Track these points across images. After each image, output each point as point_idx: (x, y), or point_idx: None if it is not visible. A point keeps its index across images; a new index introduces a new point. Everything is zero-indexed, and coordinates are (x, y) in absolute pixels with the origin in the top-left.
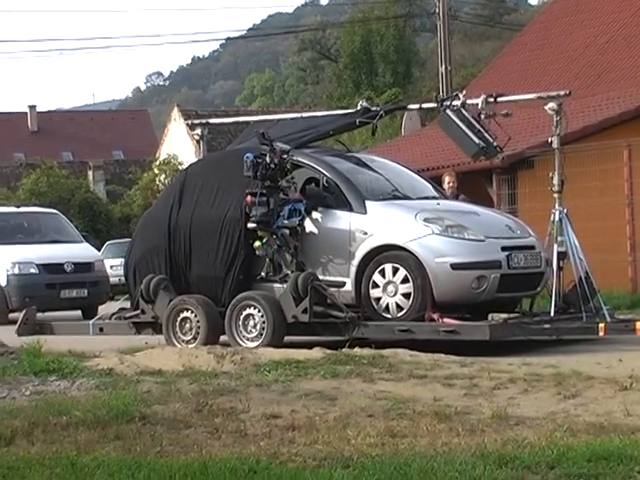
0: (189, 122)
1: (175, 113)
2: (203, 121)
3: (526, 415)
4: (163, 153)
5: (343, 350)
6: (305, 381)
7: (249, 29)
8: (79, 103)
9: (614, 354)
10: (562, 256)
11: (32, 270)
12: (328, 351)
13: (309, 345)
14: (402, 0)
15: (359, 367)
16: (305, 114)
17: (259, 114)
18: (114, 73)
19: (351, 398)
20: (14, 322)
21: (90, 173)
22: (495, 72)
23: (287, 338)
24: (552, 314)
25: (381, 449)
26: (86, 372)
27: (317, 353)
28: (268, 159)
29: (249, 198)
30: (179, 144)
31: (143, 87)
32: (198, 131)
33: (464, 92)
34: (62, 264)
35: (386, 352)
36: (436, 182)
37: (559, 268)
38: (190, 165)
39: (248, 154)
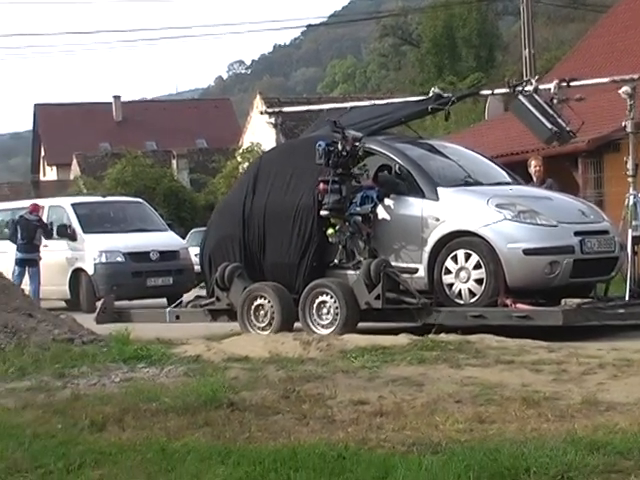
0: (262, 111)
1: (257, 101)
2: (276, 109)
3: (616, 401)
4: (246, 141)
5: (429, 336)
6: (392, 367)
7: (330, 16)
8: (162, 93)
9: None
10: (636, 240)
11: (119, 259)
12: (414, 337)
13: (395, 331)
14: None
15: (446, 353)
16: (377, 101)
17: (340, 101)
18: (197, 62)
19: (438, 384)
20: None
21: (174, 162)
22: (579, 55)
23: (372, 325)
24: (627, 299)
25: (470, 435)
26: (174, 359)
27: (403, 339)
28: (340, 147)
29: (321, 186)
30: (262, 132)
31: (225, 76)
32: (272, 119)
33: (537, 77)
34: (148, 252)
35: (473, 338)
36: (522, 167)
37: (633, 253)
38: (264, 153)
39: (320, 142)
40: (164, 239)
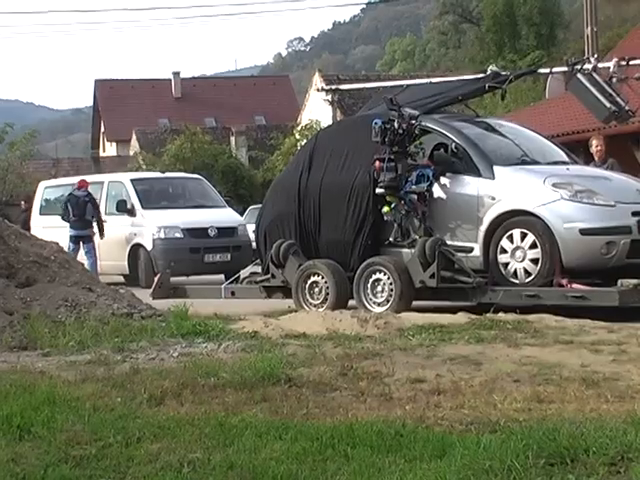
0: (319, 87)
1: (316, 78)
2: (333, 87)
3: None
4: (305, 118)
5: (487, 315)
6: (449, 345)
7: None
8: (221, 69)
9: None
10: None
11: (177, 234)
12: (472, 316)
13: (453, 310)
14: None
15: (504, 332)
16: (434, 79)
17: (399, 79)
18: (256, 39)
19: (496, 363)
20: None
21: (232, 139)
22: None
23: (430, 303)
24: None
25: (528, 414)
26: (232, 335)
27: (461, 318)
28: (396, 125)
29: (377, 163)
30: (320, 109)
31: (284, 53)
32: (329, 97)
33: (596, 56)
34: (206, 229)
35: (531, 317)
36: (583, 146)
37: None
38: (320, 131)
39: (377, 120)
40: (222, 216)
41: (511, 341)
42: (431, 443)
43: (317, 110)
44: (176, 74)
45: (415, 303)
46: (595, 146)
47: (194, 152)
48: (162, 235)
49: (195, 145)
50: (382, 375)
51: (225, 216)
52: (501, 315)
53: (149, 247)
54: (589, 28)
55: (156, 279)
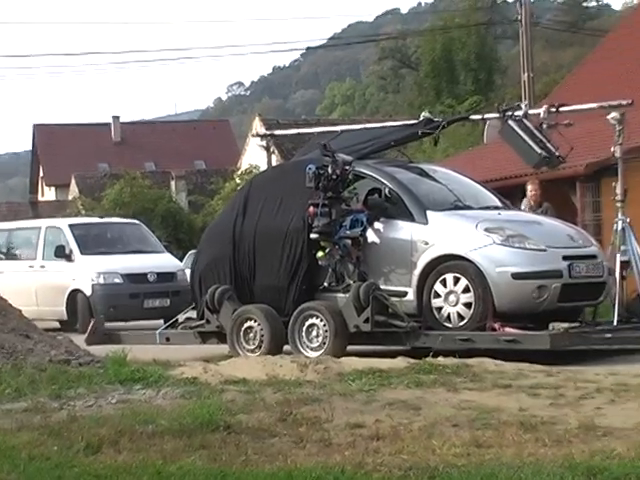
0: (254, 133)
1: (256, 123)
2: (268, 132)
3: (614, 426)
4: (245, 163)
5: (427, 359)
6: (389, 390)
7: (329, 38)
8: (161, 114)
9: None
10: (624, 265)
11: (116, 280)
12: (412, 360)
13: (393, 354)
14: (483, 8)
15: (443, 376)
16: (368, 125)
17: (338, 123)
18: (196, 84)
19: (435, 407)
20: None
21: (172, 183)
22: (578, 79)
23: (370, 348)
24: (615, 323)
25: (467, 459)
26: (171, 381)
27: (401, 362)
28: (330, 170)
29: (311, 209)
30: (260, 154)
31: (224, 97)
32: (263, 142)
33: (526, 102)
34: (145, 274)
35: (470, 361)
36: (521, 190)
37: (622, 277)
38: (255, 176)
39: (310, 165)
40: (161, 261)
41: (450, 385)
42: None
43: (257, 155)
44: (116, 118)
45: (354, 347)
46: (530, 190)
47: (134, 197)
48: (101, 281)
49: (135, 190)
50: (321, 421)
51: (164, 261)
52: (440, 359)
53: (88, 293)
54: (526, 74)
55: (90, 325)
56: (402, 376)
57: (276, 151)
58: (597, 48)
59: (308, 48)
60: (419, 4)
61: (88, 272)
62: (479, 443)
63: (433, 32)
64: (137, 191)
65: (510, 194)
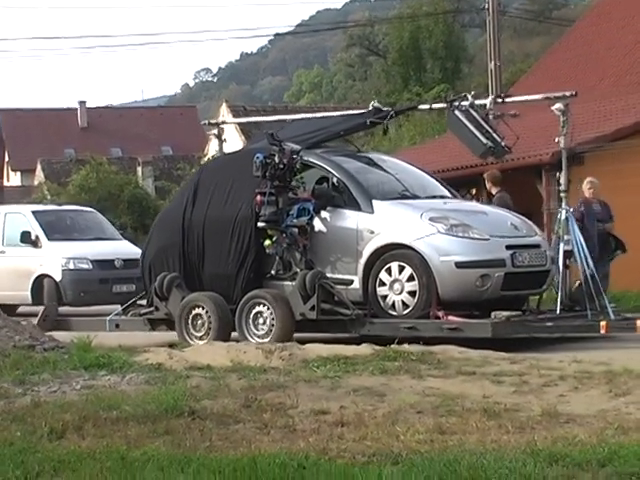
0: (205, 122)
1: (223, 109)
2: (219, 121)
3: (576, 413)
4: (211, 149)
5: (392, 346)
6: (354, 377)
7: (297, 25)
8: (128, 99)
9: None
10: (568, 254)
11: (86, 266)
12: (377, 347)
13: (357, 341)
14: None
15: (408, 363)
16: (319, 114)
17: (307, 110)
18: (163, 69)
19: (400, 394)
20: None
21: (139, 169)
22: (544, 68)
23: (336, 335)
24: (558, 312)
25: (430, 446)
26: (136, 367)
27: (366, 349)
28: (277, 159)
29: (258, 198)
30: (227, 140)
31: (192, 83)
32: (214, 131)
33: (472, 93)
34: (113, 260)
35: (435, 348)
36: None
37: (565, 266)
38: (205, 165)
39: (258, 154)
40: (124, 247)
41: (415, 372)
42: (333, 475)
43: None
44: (82, 103)
45: (320, 335)
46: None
47: (100, 182)
48: (71, 266)
49: (101, 175)
50: (286, 407)
51: (126, 248)
52: (405, 346)
53: (58, 278)
54: (493, 63)
55: (41, 311)
56: (367, 363)
57: (243, 138)
58: (563, 37)
59: (276, 35)
60: None
61: (57, 258)
62: (443, 430)
63: (401, 20)
64: (103, 177)
65: (475, 182)
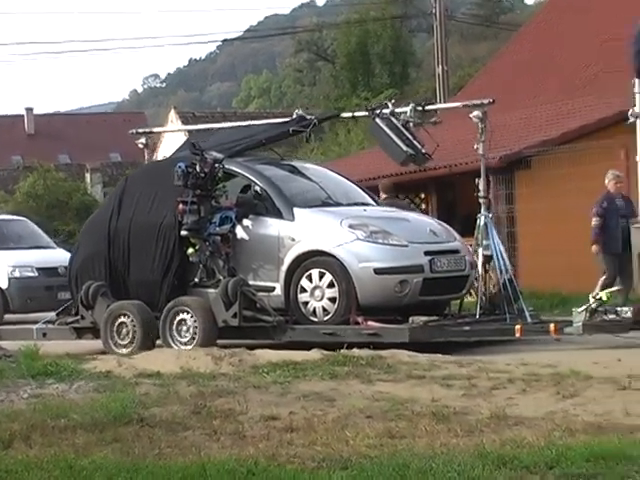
0: (133, 131)
1: (172, 115)
2: (147, 130)
3: (525, 415)
4: (160, 155)
5: (341, 351)
6: (303, 382)
7: (246, 30)
8: (76, 106)
9: (613, 353)
10: (487, 259)
11: (31, 273)
12: (326, 352)
13: (307, 346)
14: (398, 1)
15: (357, 368)
16: (244, 123)
17: (256, 116)
18: (111, 76)
19: (349, 399)
20: (11, 323)
21: (87, 176)
22: (492, 72)
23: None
24: (478, 316)
25: (379, 450)
26: (84, 375)
27: (315, 354)
28: (198, 168)
29: (180, 206)
30: (176, 146)
31: (140, 89)
32: (142, 140)
33: (393, 101)
34: (56, 267)
35: (384, 353)
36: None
37: (484, 271)
38: (130, 173)
39: (179, 164)
40: (64, 255)
41: (364, 377)
42: None
43: (172, 147)
44: (29, 110)
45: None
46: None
47: (47, 189)
48: (17, 274)
49: (48, 182)
50: (236, 413)
51: (64, 256)
52: (355, 351)
53: (4, 286)
54: (440, 67)
55: None
56: (316, 368)
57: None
58: (510, 42)
59: (224, 40)
60: None
61: (2, 266)
62: (392, 434)
63: (349, 25)
64: (51, 184)
65: (425, 186)
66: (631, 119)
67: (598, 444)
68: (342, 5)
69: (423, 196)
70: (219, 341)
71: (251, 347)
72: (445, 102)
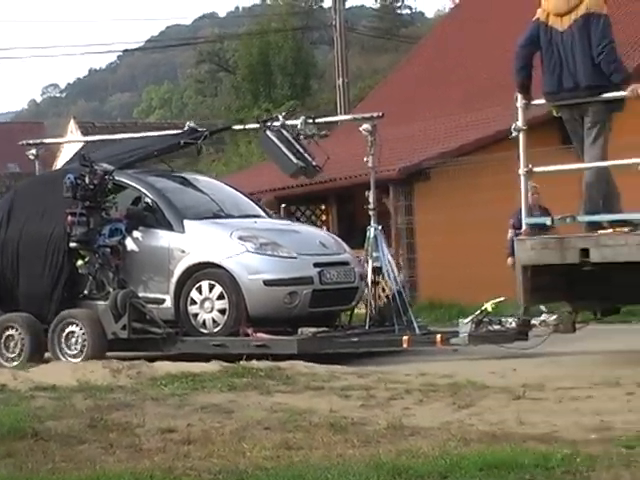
0: (24, 142)
1: (72, 125)
2: (37, 141)
3: (421, 425)
4: (59, 165)
5: (240, 363)
6: (202, 394)
7: (147, 41)
8: None
9: (509, 363)
10: (377, 271)
11: None
12: (225, 364)
13: (206, 358)
14: (300, 13)
15: (256, 379)
16: (136, 135)
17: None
18: (9, 85)
19: (248, 411)
20: None
21: None
22: (392, 84)
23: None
24: (367, 327)
25: (276, 462)
26: None
27: (214, 366)
28: (88, 180)
29: (69, 218)
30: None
31: (39, 99)
32: (33, 151)
33: (284, 113)
34: None
35: (283, 364)
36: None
37: (374, 283)
38: (19, 184)
39: (69, 175)
40: None
41: (263, 388)
42: None
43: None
44: None
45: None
46: None
47: None
48: None
49: None
50: (132, 426)
51: None
52: (254, 362)
53: None
54: (341, 79)
55: None
56: (215, 380)
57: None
58: (410, 54)
59: (125, 50)
60: (236, 8)
61: None
62: (289, 445)
63: (250, 36)
64: None
65: (325, 198)
66: (514, 133)
67: (491, 453)
68: (244, 16)
69: (324, 207)
70: (118, 353)
71: (151, 359)
72: (346, 114)
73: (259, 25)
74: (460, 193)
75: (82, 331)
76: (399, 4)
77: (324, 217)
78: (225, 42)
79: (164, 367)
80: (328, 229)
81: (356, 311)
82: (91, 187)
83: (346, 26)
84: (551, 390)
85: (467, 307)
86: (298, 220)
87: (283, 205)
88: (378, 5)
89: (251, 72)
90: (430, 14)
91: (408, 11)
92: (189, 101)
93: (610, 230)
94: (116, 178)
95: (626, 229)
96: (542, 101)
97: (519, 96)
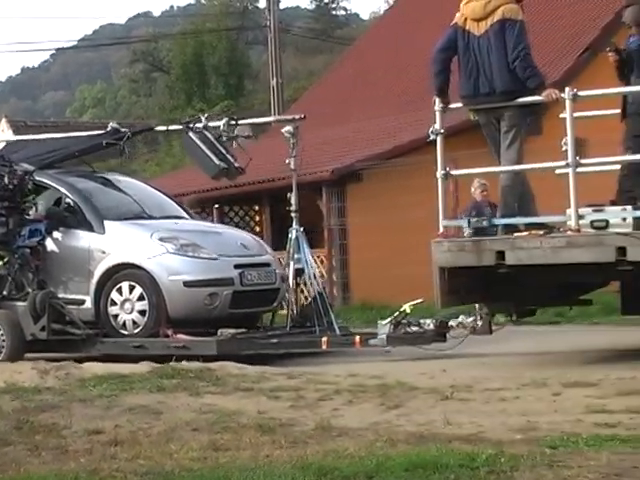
0: None
1: (3, 124)
2: None
3: (349, 426)
4: None
5: (170, 364)
6: (130, 395)
7: (80, 39)
8: None
9: (439, 364)
10: (298, 272)
11: None
12: (155, 365)
13: (136, 359)
14: (234, 13)
15: (186, 380)
16: (58, 135)
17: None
18: None
19: (176, 412)
20: None
21: None
22: (326, 85)
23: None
24: (288, 329)
25: (203, 463)
26: None
27: (143, 367)
28: (7, 180)
29: None
30: None
31: None
32: None
33: (206, 115)
34: None
35: (213, 365)
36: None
37: (295, 284)
38: None
39: None
40: None
41: (192, 389)
42: None
43: None
44: None
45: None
46: None
47: None
48: None
49: None
50: (59, 428)
51: None
52: (184, 363)
53: None
54: (275, 80)
55: None
56: (144, 381)
57: None
58: (344, 55)
59: (58, 49)
60: (171, 7)
61: None
62: (217, 446)
63: (184, 36)
64: None
65: (257, 199)
66: (432, 136)
67: (417, 454)
68: (178, 16)
69: (257, 208)
70: (48, 354)
71: (80, 360)
72: (280, 114)
73: (193, 25)
74: (391, 195)
75: (0, 332)
76: (334, 5)
77: (257, 218)
78: (159, 42)
79: (93, 368)
80: (261, 230)
81: (279, 312)
82: (10, 187)
83: (281, 27)
84: (479, 391)
85: (398, 308)
86: (231, 220)
87: (216, 205)
88: (313, 6)
89: (185, 72)
90: (365, 16)
91: (343, 12)
92: (123, 100)
93: (526, 233)
94: (36, 178)
95: (541, 232)
96: (460, 105)
97: (437, 100)
